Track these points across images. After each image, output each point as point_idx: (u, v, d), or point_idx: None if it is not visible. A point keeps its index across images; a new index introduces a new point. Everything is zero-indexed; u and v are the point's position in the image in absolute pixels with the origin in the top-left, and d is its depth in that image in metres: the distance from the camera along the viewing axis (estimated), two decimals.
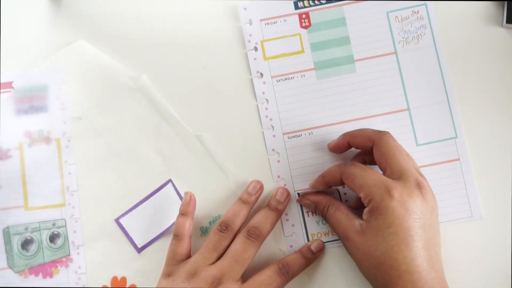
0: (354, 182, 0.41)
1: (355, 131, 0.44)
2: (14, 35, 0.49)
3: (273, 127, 0.48)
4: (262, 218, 0.44)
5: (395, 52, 0.48)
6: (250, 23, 0.48)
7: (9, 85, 0.48)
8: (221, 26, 0.49)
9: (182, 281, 0.42)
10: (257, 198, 0.46)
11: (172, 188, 0.47)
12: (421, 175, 0.41)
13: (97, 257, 0.47)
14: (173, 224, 0.46)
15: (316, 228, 0.47)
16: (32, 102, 0.48)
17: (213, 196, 0.47)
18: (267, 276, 0.43)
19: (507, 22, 0.47)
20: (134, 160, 0.48)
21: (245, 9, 0.48)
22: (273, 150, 0.48)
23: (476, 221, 0.47)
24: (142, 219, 0.47)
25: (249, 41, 0.48)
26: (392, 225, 0.38)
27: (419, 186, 0.40)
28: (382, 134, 0.42)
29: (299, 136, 0.48)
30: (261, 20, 0.48)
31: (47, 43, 0.48)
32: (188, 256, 0.44)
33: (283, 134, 0.48)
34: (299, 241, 0.47)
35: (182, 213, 0.45)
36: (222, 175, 0.47)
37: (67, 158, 0.47)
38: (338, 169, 0.43)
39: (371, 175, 0.40)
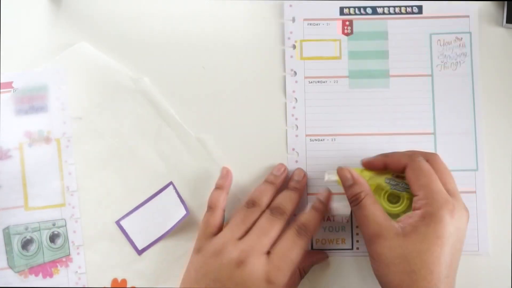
0: (418, 178, 0.40)
1: (391, 152, 0.43)
2: (14, 35, 0.49)
3: (297, 127, 0.48)
4: (284, 198, 0.45)
5: (431, 75, 0.48)
6: (293, 20, 0.48)
7: (9, 85, 0.48)
8: (263, 19, 0.48)
9: (210, 257, 0.42)
10: (282, 179, 0.46)
11: (173, 191, 0.47)
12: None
13: (98, 258, 0.47)
14: (173, 226, 0.46)
15: (322, 234, 0.47)
16: (32, 102, 0.48)
17: None
18: (288, 240, 0.42)
19: (507, 22, 0.47)
20: (135, 162, 0.48)
21: (290, 6, 0.48)
22: (293, 149, 0.48)
23: (482, 256, 0.46)
24: (143, 221, 0.47)
25: (288, 38, 0.48)
26: (442, 237, 0.38)
27: (467, 211, 0.40)
28: (414, 157, 0.41)
29: (321, 140, 0.48)
30: (304, 19, 0.48)
31: (47, 43, 0.48)
32: (220, 229, 0.44)
33: (306, 135, 0.48)
34: None
35: (218, 187, 0.46)
36: None
37: (67, 158, 0.47)
38: (406, 157, 0.41)
39: (436, 181, 0.40)
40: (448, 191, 0.40)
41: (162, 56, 0.48)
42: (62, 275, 0.47)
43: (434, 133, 0.47)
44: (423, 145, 0.47)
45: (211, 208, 0.45)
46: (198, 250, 0.43)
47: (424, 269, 0.38)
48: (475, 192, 0.47)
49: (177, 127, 0.48)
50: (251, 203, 0.44)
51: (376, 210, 0.41)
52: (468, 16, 0.48)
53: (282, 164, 0.47)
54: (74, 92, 0.48)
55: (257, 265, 0.41)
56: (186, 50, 0.48)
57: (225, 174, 0.47)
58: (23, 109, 0.47)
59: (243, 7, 0.49)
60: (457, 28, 0.48)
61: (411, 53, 0.48)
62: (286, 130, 0.48)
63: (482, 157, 0.47)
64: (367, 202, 0.41)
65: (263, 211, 0.44)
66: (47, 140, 0.47)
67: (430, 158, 0.41)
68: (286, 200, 0.44)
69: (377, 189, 0.43)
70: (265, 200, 0.44)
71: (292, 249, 0.42)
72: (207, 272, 0.41)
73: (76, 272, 0.47)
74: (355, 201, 0.42)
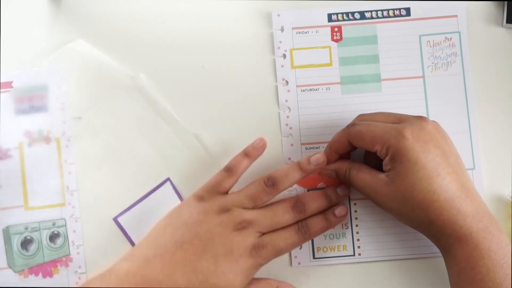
0: (364, 139, 0.41)
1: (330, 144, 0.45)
2: (14, 35, 0.49)
3: (292, 136, 0.48)
4: (309, 195, 0.44)
5: (423, 76, 0.48)
6: (282, 30, 0.48)
7: (9, 85, 0.48)
8: (252, 29, 0.48)
9: (213, 211, 0.41)
10: (315, 170, 0.43)
11: (171, 187, 0.47)
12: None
13: (95, 255, 0.47)
14: None
15: (323, 242, 0.47)
16: (32, 102, 0.48)
17: None
18: (285, 231, 0.42)
19: (507, 22, 0.47)
20: (132, 159, 0.48)
21: (278, 15, 0.48)
22: (289, 159, 0.47)
23: None
24: (140, 217, 0.47)
25: (278, 48, 0.48)
26: (418, 161, 0.38)
27: (422, 118, 0.41)
28: (340, 140, 0.43)
29: (317, 148, 0.47)
30: (293, 28, 0.48)
31: (47, 42, 0.48)
32: (227, 193, 0.43)
33: (301, 144, 0.48)
34: (305, 254, 0.47)
35: (246, 153, 0.44)
36: None
37: (66, 158, 0.47)
38: (343, 134, 0.43)
39: (377, 126, 0.41)
40: (394, 123, 0.41)
41: (160, 54, 0.48)
42: (62, 275, 0.47)
43: None
44: None
45: (230, 170, 0.43)
46: (201, 198, 0.42)
47: (425, 193, 0.38)
48: None
49: (174, 123, 0.48)
50: (271, 182, 0.42)
51: (363, 175, 0.42)
52: (456, 16, 0.48)
53: (323, 155, 0.43)
54: (73, 91, 0.48)
55: (249, 238, 0.41)
56: (184, 48, 0.48)
57: (259, 145, 0.44)
58: (23, 108, 0.48)
59: (230, 18, 0.49)
60: (446, 28, 0.48)
61: (402, 56, 0.48)
62: (281, 140, 0.48)
63: (479, 155, 0.47)
64: (352, 175, 0.42)
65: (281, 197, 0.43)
66: (47, 139, 0.47)
67: (353, 126, 0.42)
68: (311, 197, 0.44)
69: None
70: (286, 185, 0.43)
71: (284, 240, 0.42)
72: (201, 221, 0.41)
73: (76, 272, 0.47)
74: (345, 181, 0.44)
